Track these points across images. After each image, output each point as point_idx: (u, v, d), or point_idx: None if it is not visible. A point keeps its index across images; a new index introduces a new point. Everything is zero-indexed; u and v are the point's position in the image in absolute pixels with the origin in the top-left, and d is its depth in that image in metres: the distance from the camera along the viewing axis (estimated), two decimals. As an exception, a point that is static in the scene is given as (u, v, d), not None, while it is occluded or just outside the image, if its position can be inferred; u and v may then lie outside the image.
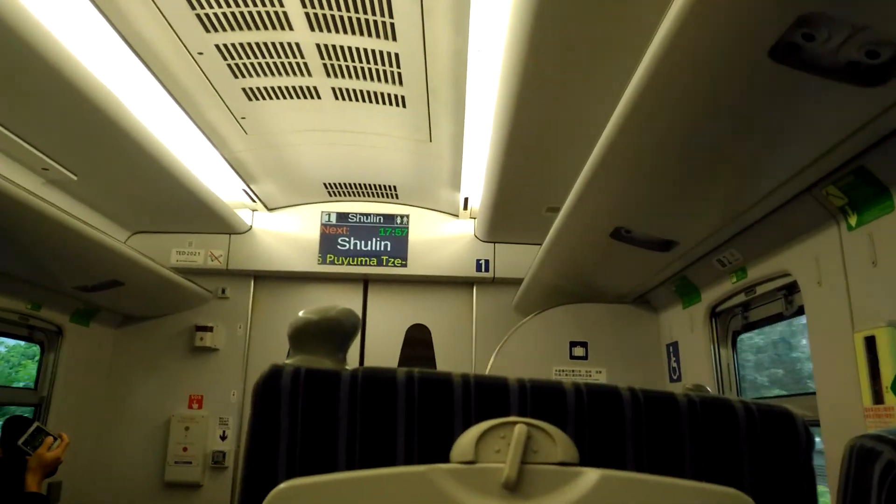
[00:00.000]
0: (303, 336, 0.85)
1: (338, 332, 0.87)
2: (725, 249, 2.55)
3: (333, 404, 0.77)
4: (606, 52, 2.18)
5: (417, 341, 4.86)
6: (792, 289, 2.40)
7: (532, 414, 0.77)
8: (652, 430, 0.78)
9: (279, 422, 0.77)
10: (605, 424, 0.78)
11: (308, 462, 0.76)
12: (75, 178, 3.46)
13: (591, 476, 0.72)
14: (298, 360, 0.79)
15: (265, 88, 3.20)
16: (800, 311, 2.35)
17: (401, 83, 3.10)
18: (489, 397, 0.79)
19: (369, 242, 4.80)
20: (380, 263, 4.76)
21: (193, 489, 4.49)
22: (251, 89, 3.20)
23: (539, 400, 0.79)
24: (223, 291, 4.78)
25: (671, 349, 3.43)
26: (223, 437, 4.57)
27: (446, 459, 0.75)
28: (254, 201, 4.55)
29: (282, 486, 0.71)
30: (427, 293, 4.91)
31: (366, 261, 4.76)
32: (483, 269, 4.76)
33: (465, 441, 0.74)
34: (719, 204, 2.22)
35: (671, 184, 2.16)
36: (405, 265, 4.76)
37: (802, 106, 1.55)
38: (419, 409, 0.78)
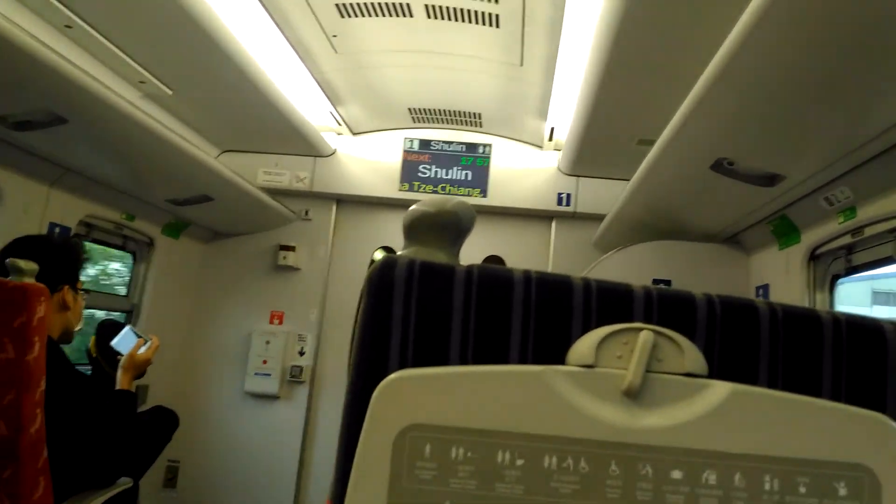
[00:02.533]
0: (418, 228, 0.83)
1: (454, 225, 0.84)
2: (835, 186, 2.38)
3: (447, 299, 0.75)
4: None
5: (493, 272, 4.84)
6: (906, 231, 2.24)
7: (658, 323, 0.73)
8: (789, 347, 0.73)
9: (392, 313, 0.75)
10: (738, 338, 0.73)
11: (420, 355, 0.75)
12: (170, 92, 3.53)
13: (720, 389, 0.68)
14: (412, 252, 0.77)
15: (358, 5, 3.14)
16: (913, 256, 2.20)
17: (497, 0, 2.98)
18: (611, 302, 0.75)
19: (450, 171, 4.76)
20: (460, 192, 4.72)
21: (271, 400, 4.68)
22: (344, 5, 3.14)
23: (666, 309, 0.74)
24: (306, 213, 4.86)
25: (761, 292, 3.30)
26: (301, 353, 4.72)
27: (562, 363, 0.72)
28: (339, 125, 4.55)
29: (393, 375, 0.70)
30: (505, 225, 4.87)
31: (446, 189, 4.73)
32: (564, 203, 4.67)
33: (585, 344, 0.71)
34: (835, 136, 2.07)
35: (783, 112, 2.02)
36: (485, 195, 4.72)
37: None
38: (536, 309, 0.75)
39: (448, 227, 0.78)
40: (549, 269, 4.71)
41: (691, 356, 0.69)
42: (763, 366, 0.73)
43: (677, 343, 0.69)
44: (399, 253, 0.68)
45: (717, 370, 0.72)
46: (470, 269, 0.76)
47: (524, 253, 4.80)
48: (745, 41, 1.72)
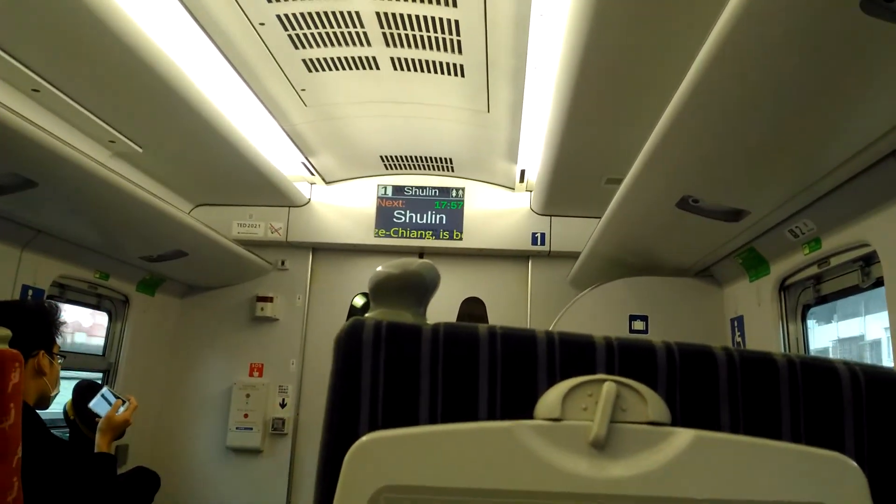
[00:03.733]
0: (384, 289, 0.84)
1: (419, 285, 0.86)
2: (799, 219, 2.45)
3: (415, 358, 0.76)
4: (676, 17, 2.11)
5: (472, 315, 4.85)
6: (870, 260, 2.29)
7: (620, 372, 0.75)
8: (748, 391, 0.75)
9: (361, 375, 0.76)
10: (698, 385, 0.75)
11: (390, 415, 0.76)
12: (141, 150, 3.54)
13: (683, 436, 0.69)
14: (379, 314, 0.78)
15: (325, 59, 3.20)
16: (878, 283, 2.25)
17: (460, 51, 3.06)
18: (574, 355, 0.77)
19: (425, 215, 4.79)
20: (435, 236, 4.76)
21: (254, 454, 4.61)
22: (311, 60, 3.20)
23: (627, 358, 0.76)
24: (283, 263, 4.86)
25: (736, 324, 3.34)
26: (283, 405, 4.67)
27: (529, 417, 0.73)
28: (312, 174, 4.59)
29: (364, 438, 0.71)
30: (482, 266, 4.90)
31: (421, 233, 4.76)
32: (539, 243, 4.71)
33: (552, 398, 0.72)
34: (795, 170, 2.13)
35: (745, 150, 2.08)
36: (461, 238, 4.75)
37: (891, 63, 1.47)
38: (502, 365, 0.76)
39: (413, 288, 0.79)
40: (528, 308, 4.73)
41: (654, 405, 0.71)
42: (724, 410, 0.75)
43: (640, 393, 0.71)
44: (366, 315, 0.70)
45: (680, 417, 0.74)
46: (436, 327, 0.78)
47: (503, 293, 4.83)
48: (702, 82, 1.78)
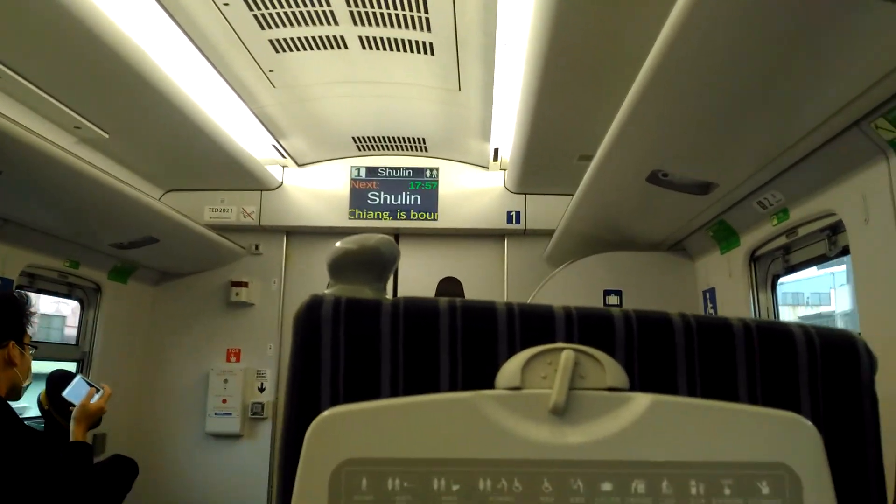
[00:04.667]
0: (342, 265, 0.84)
1: (377, 261, 0.86)
2: (766, 191, 2.47)
3: (375, 333, 0.76)
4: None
5: (449, 294, 4.86)
6: (836, 229, 2.33)
7: (579, 341, 0.75)
8: (705, 356, 0.76)
9: (321, 351, 0.76)
10: (656, 351, 0.76)
11: (351, 391, 0.76)
12: (107, 136, 3.48)
13: (641, 401, 0.70)
14: (338, 290, 0.78)
15: (292, 39, 3.16)
16: (844, 252, 2.28)
17: (429, 29, 3.03)
18: (534, 325, 0.77)
19: (399, 196, 4.78)
20: (410, 217, 4.75)
21: (234, 439, 4.60)
22: (278, 41, 3.16)
23: (586, 327, 0.77)
24: (256, 247, 4.83)
25: (708, 296, 3.38)
26: (261, 389, 4.66)
27: (491, 387, 0.73)
28: (284, 157, 4.54)
29: (325, 413, 0.71)
30: (458, 246, 4.91)
31: (396, 215, 4.75)
32: (514, 221, 4.73)
33: (511, 367, 0.73)
34: (762, 142, 2.15)
35: (711, 122, 2.09)
36: (436, 219, 4.75)
37: (855, 31, 1.48)
38: (463, 337, 0.76)
39: (371, 264, 0.79)
40: (505, 286, 4.76)
41: (612, 371, 0.71)
42: (681, 376, 0.76)
43: (598, 360, 0.71)
44: (325, 292, 0.69)
45: (638, 383, 0.75)
46: (396, 302, 0.78)
47: (479, 273, 4.84)
48: (667, 57, 1.78)
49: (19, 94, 2.92)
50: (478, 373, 0.76)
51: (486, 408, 0.70)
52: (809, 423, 0.71)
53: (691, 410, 0.71)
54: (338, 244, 0.84)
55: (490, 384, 0.74)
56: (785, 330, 0.77)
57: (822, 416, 0.76)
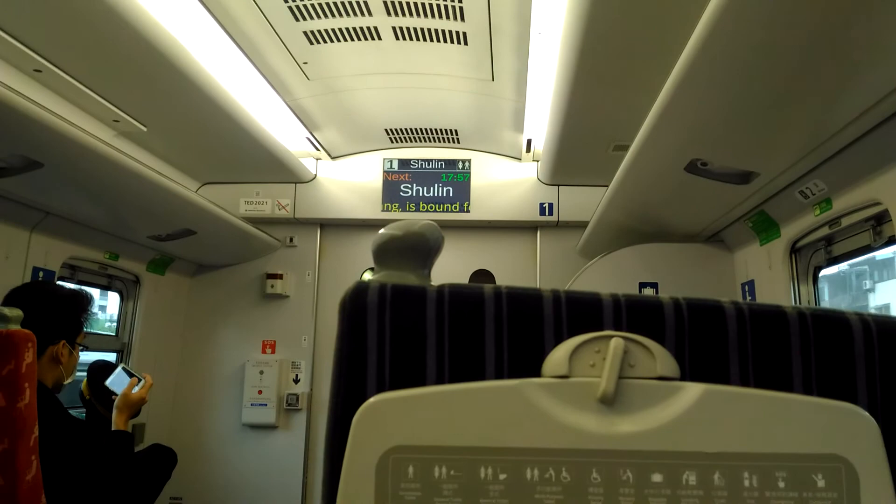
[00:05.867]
0: (387, 251, 0.83)
1: (422, 247, 0.85)
2: (809, 180, 2.42)
3: (421, 320, 0.76)
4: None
5: (482, 287, 4.85)
6: (881, 219, 2.27)
7: (628, 329, 0.74)
8: (758, 344, 0.74)
9: (366, 338, 0.76)
10: (707, 339, 0.74)
11: (397, 378, 0.75)
12: (145, 129, 3.53)
13: (692, 390, 0.69)
14: (383, 276, 0.78)
15: (326, 31, 3.17)
16: (890, 242, 2.23)
17: (462, 18, 3.02)
18: (581, 312, 0.76)
19: (431, 188, 4.78)
20: (442, 209, 4.74)
21: (270, 430, 4.66)
22: (312, 32, 3.17)
23: (635, 315, 0.75)
24: (291, 240, 4.87)
25: (747, 288, 3.32)
26: (296, 381, 4.71)
27: (537, 375, 0.73)
28: (317, 150, 4.57)
29: (371, 400, 0.70)
30: (490, 238, 4.89)
31: (428, 206, 4.75)
32: (547, 213, 4.69)
33: (559, 355, 0.72)
34: (805, 130, 2.10)
35: (753, 110, 2.05)
36: (468, 210, 4.74)
37: (904, 13, 1.43)
38: (508, 324, 0.76)
39: (416, 250, 0.79)
40: (537, 278, 4.73)
41: (662, 360, 0.70)
42: (733, 365, 0.74)
43: (648, 348, 0.70)
44: (370, 277, 0.69)
45: (689, 372, 0.73)
46: (441, 288, 0.77)
47: (511, 265, 4.82)
48: (708, 42, 1.75)
49: (60, 88, 2.98)
50: (524, 360, 0.75)
51: (534, 396, 0.69)
52: (867, 414, 0.69)
53: (744, 400, 0.69)
54: (382, 230, 0.84)
55: (536, 372, 0.73)
56: (841, 318, 0.75)
57: (880, 406, 0.74)
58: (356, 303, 0.77)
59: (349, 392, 0.75)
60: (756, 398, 0.69)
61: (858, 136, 2.08)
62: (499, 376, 0.75)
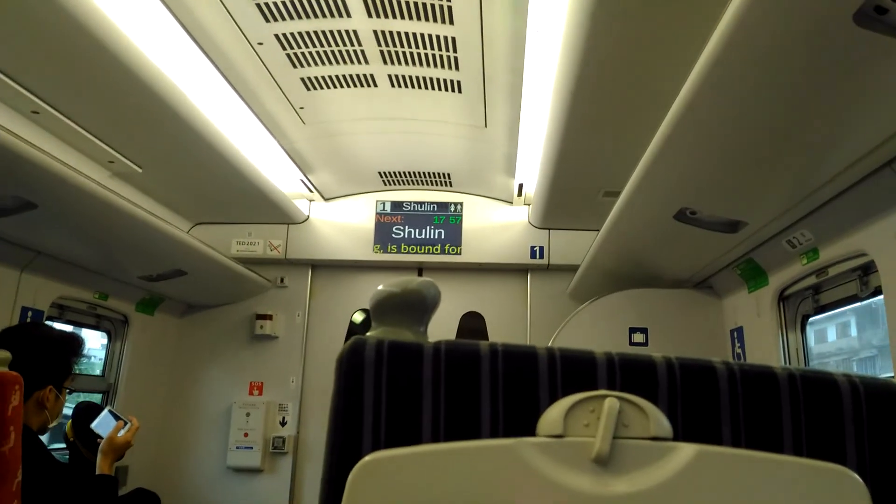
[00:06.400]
0: (384, 308, 0.84)
1: (419, 304, 0.86)
2: (796, 229, 2.46)
3: (417, 377, 0.77)
4: (673, 29, 2.12)
5: (472, 329, 4.85)
6: (868, 269, 2.30)
7: (621, 388, 0.75)
8: (749, 404, 0.75)
9: (363, 394, 0.76)
10: (700, 399, 0.76)
11: (393, 434, 0.76)
12: (140, 170, 3.55)
13: (686, 451, 0.69)
14: (380, 333, 0.79)
15: (323, 78, 3.22)
16: (877, 292, 2.25)
17: (457, 68, 3.08)
18: (576, 371, 0.77)
19: (423, 230, 4.80)
20: (434, 251, 4.76)
21: (255, 474, 4.58)
22: (309, 79, 3.22)
23: (628, 374, 0.76)
24: (282, 280, 4.86)
25: (735, 335, 3.34)
26: (283, 423, 4.65)
27: (532, 433, 0.73)
28: (311, 191, 4.60)
29: (367, 458, 0.71)
30: (481, 281, 4.90)
31: (420, 249, 4.77)
32: (537, 256, 4.72)
33: (553, 414, 0.72)
34: (792, 181, 2.14)
35: (741, 161, 2.09)
36: (459, 253, 4.75)
37: (886, 73, 1.48)
38: (504, 381, 0.77)
39: (414, 306, 0.80)
40: (528, 321, 4.73)
41: (656, 420, 0.71)
42: (725, 425, 0.75)
43: (641, 408, 0.71)
44: (367, 334, 0.70)
45: (682, 432, 0.74)
46: (437, 346, 0.78)
47: (502, 307, 4.83)
48: (698, 95, 1.79)
49: (57, 129, 3.00)
50: (519, 418, 0.75)
51: (528, 455, 0.70)
52: (856, 477, 0.69)
53: (736, 461, 0.70)
54: (381, 287, 0.85)
55: (531, 430, 0.73)
56: (829, 379, 0.77)
57: (869, 467, 0.75)
58: (353, 359, 0.77)
59: (345, 448, 0.76)
60: (748, 459, 0.70)
61: (845, 188, 2.12)
62: (494, 434, 0.76)
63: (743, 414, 0.75)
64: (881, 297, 2.14)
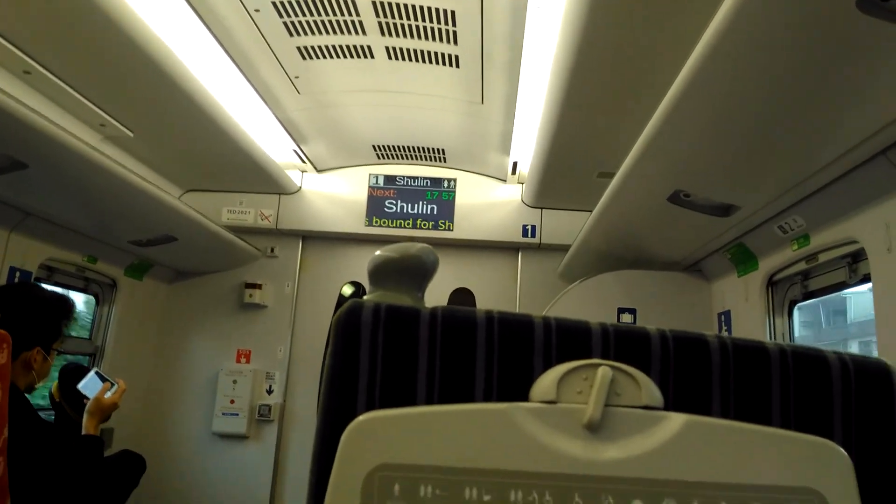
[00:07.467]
0: (383, 272, 0.85)
1: (418, 269, 0.87)
2: (788, 215, 2.47)
3: (413, 341, 0.77)
4: (673, 13, 2.11)
5: (461, 305, 4.87)
6: (857, 257, 2.32)
7: (615, 358, 0.76)
8: (740, 378, 0.76)
9: (359, 356, 0.77)
10: (691, 371, 0.77)
11: (387, 397, 0.76)
12: (132, 134, 3.52)
13: (675, 421, 0.70)
14: (377, 297, 0.79)
15: (320, 47, 3.19)
16: (865, 280, 2.28)
17: (455, 42, 3.06)
18: (571, 340, 0.78)
19: (416, 205, 4.80)
20: (426, 227, 4.76)
21: (240, 440, 4.61)
22: (306, 48, 3.19)
23: (622, 344, 0.77)
24: (272, 250, 4.85)
25: (723, 318, 3.37)
26: (269, 391, 4.68)
27: (525, 399, 0.74)
28: (304, 162, 4.57)
29: (361, 417, 0.71)
30: (472, 258, 4.91)
31: (412, 223, 4.77)
32: (529, 235, 4.73)
33: (547, 381, 0.73)
34: (786, 167, 2.16)
35: (737, 145, 2.10)
36: (451, 229, 4.76)
37: (886, 61, 1.48)
38: (499, 348, 0.77)
39: (412, 272, 0.80)
40: (517, 300, 4.75)
41: (647, 389, 0.72)
42: (715, 397, 0.76)
43: (634, 377, 0.72)
44: (364, 297, 0.70)
45: (673, 402, 0.75)
46: (434, 311, 0.78)
47: (492, 285, 4.84)
48: (697, 78, 1.79)
49: (48, 90, 2.96)
50: (513, 385, 0.76)
51: (521, 420, 0.71)
52: (841, 450, 0.71)
53: (724, 432, 0.71)
54: (379, 251, 0.85)
55: (525, 396, 0.74)
56: (820, 356, 0.78)
57: (854, 442, 0.76)
58: (350, 321, 0.78)
59: (339, 408, 0.76)
60: (736, 430, 0.71)
61: (838, 176, 2.13)
62: (487, 399, 0.77)
63: (733, 387, 0.77)
64: (869, 284, 2.16)
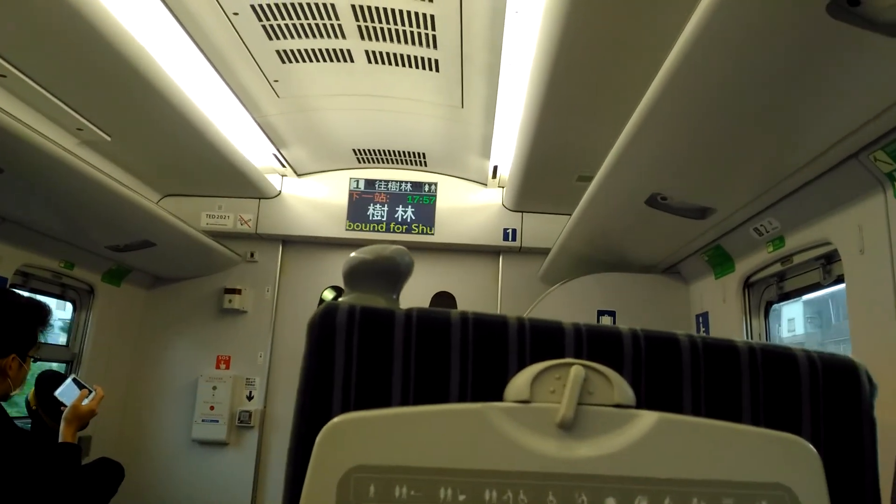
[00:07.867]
0: (357, 275, 0.85)
1: (392, 271, 0.87)
2: (763, 217, 2.51)
3: (388, 343, 0.78)
4: (649, 17, 2.14)
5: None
6: (831, 258, 2.36)
7: (588, 357, 0.77)
8: (710, 376, 0.78)
9: (334, 358, 0.77)
10: (663, 369, 0.78)
11: (362, 398, 0.77)
12: (109, 138, 3.49)
13: (647, 419, 0.71)
14: (353, 299, 0.79)
15: (299, 51, 3.18)
16: (839, 281, 2.31)
17: (435, 46, 3.07)
18: (544, 340, 0.78)
19: (397, 209, 4.80)
20: (407, 231, 4.77)
21: (220, 447, 4.58)
22: (285, 52, 3.18)
23: (595, 343, 0.78)
24: (252, 255, 4.82)
25: (701, 319, 3.41)
26: (249, 398, 4.64)
27: (499, 399, 0.75)
28: (284, 166, 4.56)
29: (336, 419, 0.72)
30: (453, 261, 4.92)
31: (393, 227, 4.76)
32: (510, 239, 4.75)
33: (521, 381, 0.74)
34: (761, 170, 2.18)
35: (712, 149, 2.12)
36: (432, 233, 4.76)
37: (856, 65, 1.51)
38: (473, 349, 0.78)
39: (386, 274, 0.80)
40: (499, 303, 4.77)
41: (620, 388, 0.73)
42: (687, 395, 0.77)
43: (606, 376, 0.73)
44: (340, 300, 0.71)
45: (645, 400, 0.76)
46: (409, 312, 0.79)
47: (473, 288, 4.85)
48: (672, 82, 1.81)
49: (24, 94, 2.93)
50: (487, 385, 0.77)
51: (495, 419, 0.71)
52: (810, 446, 0.72)
53: (695, 429, 0.72)
54: (353, 253, 0.85)
55: (499, 396, 0.75)
56: (789, 354, 0.79)
57: (823, 439, 0.77)
58: (325, 323, 0.78)
59: (314, 410, 0.76)
60: (707, 427, 0.72)
61: (811, 179, 2.16)
62: (462, 399, 0.77)
63: (704, 384, 0.78)
64: (843, 285, 2.19)
